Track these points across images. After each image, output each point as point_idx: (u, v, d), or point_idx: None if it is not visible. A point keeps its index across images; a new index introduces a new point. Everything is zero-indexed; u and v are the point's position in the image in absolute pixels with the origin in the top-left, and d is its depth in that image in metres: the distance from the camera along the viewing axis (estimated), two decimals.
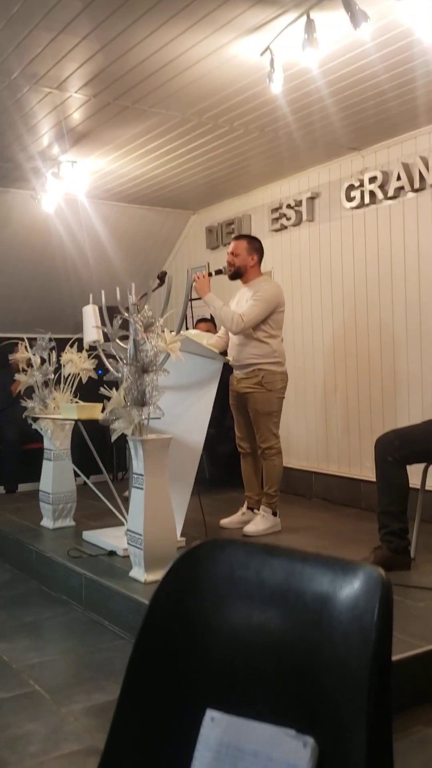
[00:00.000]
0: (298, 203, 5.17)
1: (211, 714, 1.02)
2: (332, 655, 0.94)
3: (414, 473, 3.40)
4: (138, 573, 3.20)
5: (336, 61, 3.34)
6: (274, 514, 4.10)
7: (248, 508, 4.23)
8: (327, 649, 0.95)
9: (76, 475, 4.31)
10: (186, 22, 3.02)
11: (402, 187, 4.40)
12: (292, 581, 1.03)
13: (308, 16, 2.90)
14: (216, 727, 1.00)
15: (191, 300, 4.74)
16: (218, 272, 4.18)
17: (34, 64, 3.40)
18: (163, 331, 3.16)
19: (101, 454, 4.15)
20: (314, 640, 0.97)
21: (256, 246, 4.11)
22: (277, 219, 5.38)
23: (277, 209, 5.37)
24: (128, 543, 3.25)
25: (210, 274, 4.07)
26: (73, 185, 4.83)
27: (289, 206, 5.25)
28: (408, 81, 3.58)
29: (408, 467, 3.30)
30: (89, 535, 3.92)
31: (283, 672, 0.99)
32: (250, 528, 4.02)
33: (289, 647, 0.99)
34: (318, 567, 1.02)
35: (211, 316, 5.06)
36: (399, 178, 4.39)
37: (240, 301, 4.09)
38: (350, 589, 0.96)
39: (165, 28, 3.07)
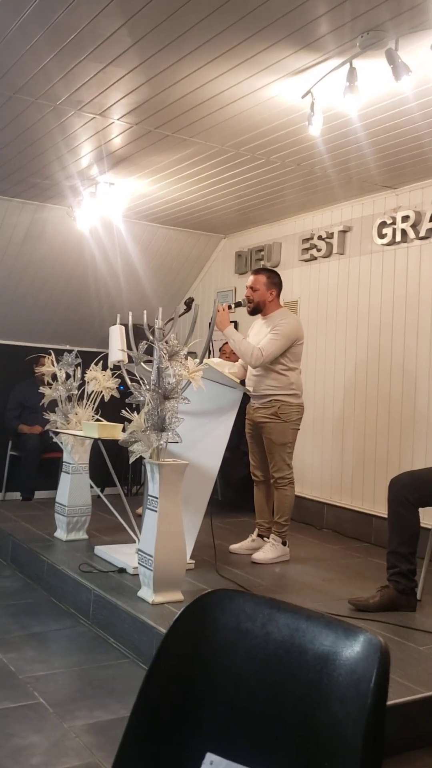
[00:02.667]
0: (330, 235, 5.24)
1: (210, 758, 1.08)
2: (329, 715, 0.99)
3: (426, 514, 3.43)
4: (146, 593, 3.26)
5: (374, 106, 3.41)
6: (284, 543, 4.14)
7: (258, 535, 4.27)
8: (324, 708, 1.00)
9: (91, 487, 4.39)
10: (232, 61, 3.11)
11: None
12: (296, 638, 1.08)
13: (351, 65, 2.97)
14: None
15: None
16: (238, 305, 4.26)
17: (81, 92, 3.51)
18: (186, 359, 3.24)
19: (117, 467, 4.22)
20: (313, 698, 1.02)
21: (275, 280, 4.18)
22: (307, 249, 5.45)
23: (308, 239, 5.44)
24: (138, 563, 3.31)
25: (230, 307, 4.14)
26: (109, 205, 4.94)
27: (320, 237, 5.32)
28: None
29: (420, 509, 3.34)
30: (101, 551, 3.99)
31: (281, 725, 1.04)
32: (259, 555, 4.07)
33: (288, 702, 1.05)
34: (321, 627, 1.07)
35: None
36: (431, 219, 4.44)
37: (258, 333, 4.16)
38: (350, 652, 1.02)
39: (210, 66, 3.17)
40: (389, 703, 2.36)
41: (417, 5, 2.54)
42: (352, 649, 1.01)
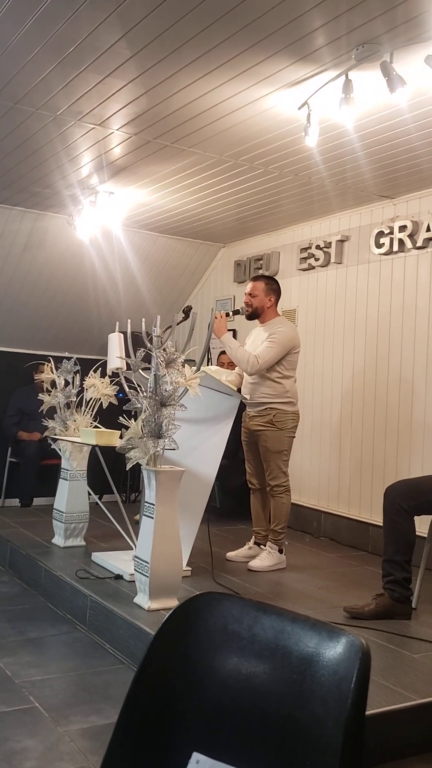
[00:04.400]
0: (328, 245, 5.28)
1: (197, 757, 1.10)
2: (311, 714, 1.01)
3: (421, 522, 3.44)
4: (142, 600, 3.27)
5: (370, 118, 3.45)
6: (280, 551, 4.15)
7: (255, 542, 4.28)
8: (307, 708, 1.02)
9: (89, 495, 4.41)
10: (229, 73, 3.15)
11: (431, 239, 4.48)
12: (281, 640, 1.10)
13: (347, 77, 3.01)
14: None
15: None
16: (236, 312, 4.29)
17: (81, 102, 3.55)
18: (183, 366, 3.27)
19: (116, 474, 4.24)
20: (296, 698, 1.04)
21: (273, 287, 4.21)
22: (305, 258, 5.48)
23: (306, 249, 5.48)
24: (135, 569, 3.33)
25: (227, 315, 4.18)
26: (109, 214, 4.98)
27: (318, 247, 5.36)
28: None
29: (416, 517, 3.35)
30: (98, 557, 4.00)
31: (266, 724, 1.06)
32: (256, 563, 4.08)
33: (272, 702, 1.07)
34: (306, 629, 1.09)
35: None
36: (429, 229, 4.48)
37: (255, 341, 4.19)
38: (333, 653, 1.04)
39: (208, 77, 3.21)
40: (383, 710, 2.38)
41: (411, 19, 2.58)
42: (335, 650, 1.03)
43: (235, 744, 1.08)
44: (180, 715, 1.14)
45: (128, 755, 1.15)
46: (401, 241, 4.67)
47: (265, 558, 4.11)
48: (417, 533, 3.35)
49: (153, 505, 3.24)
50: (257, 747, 1.06)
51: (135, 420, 3.27)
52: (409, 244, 4.62)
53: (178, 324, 4.06)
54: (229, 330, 4.30)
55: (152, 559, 3.19)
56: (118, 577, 3.70)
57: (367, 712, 2.33)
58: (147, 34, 2.84)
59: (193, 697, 1.15)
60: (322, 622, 1.09)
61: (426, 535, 3.52)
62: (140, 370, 3.38)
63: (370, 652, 1.00)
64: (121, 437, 3.38)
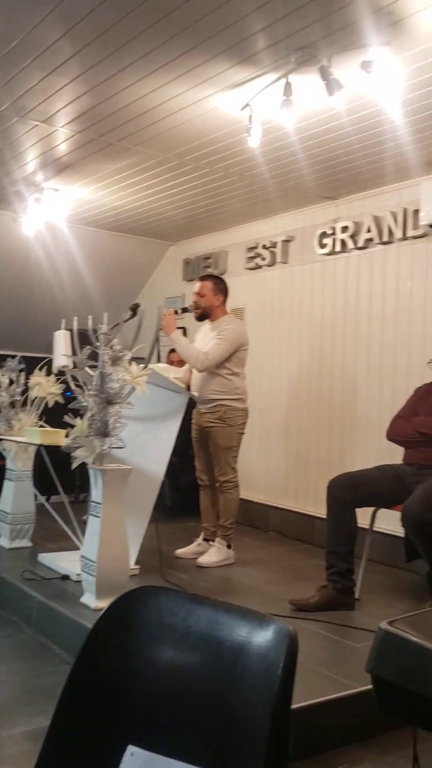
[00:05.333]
0: (274, 245, 5.35)
1: (131, 749, 1.12)
2: (241, 701, 1.04)
3: (363, 514, 3.53)
4: (89, 599, 3.27)
5: (310, 120, 3.52)
6: (229, 546, 4.20)
7: (204, 539, 4.32)
8: (237, 695, 1.05)
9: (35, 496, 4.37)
10: (172, 73, 3.17)
11: (371, 239, 4.59)
12: (214, 630, 1.14)
13: (287, 80, 3.07)
14: (134, 763, 1.09)
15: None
16: (184, 310, 4.32)
17: (24, 99, 3.52)
18: (130, 364, 3.27)
19: (64, 474, 4.21)
20: (228, 686, 1.07)
21: (221, 287, 4.26)
22: (252, 258, 5.54)
23: (253, 248, 5.54)
24: (81, 569, 3.32)
25: (176, 312, 4.20)
26: (55, 211, 4.94)
27: (264, 247, 5.42)
28: (375, 144, 3.79)
29: (357, 509, 3.44)
30: (45, 558, 3.98)
31: (199, 713, 1.09)
32: (204, 559, 4.12)
33: (205, 691, 1.10)
34: (238, 619, 1.13)
35: None
36: (369, 230, 4.58)
37: (204, 338, 4.23)
38: (263, 640, 1.07)
39: (152, 77, 3.22)
40: (325, 698, 2.45)
41: (347, 26, 2.64)
42: (265, 637, 1.07)
43: (169, 735, 1.11)
44: (115, 710, 1.16)
45: (63, 753, 1.17)
46: (343, 242, 4.77)
47: (213, 554, 4.15)
48: (359, 525, 3.44)
49: (99, 504, 3.24)
50: (190, 736, 1.09)
51: (81, 418, 3.27)
52: (350, 244, 4.72)
53: (125, 321, 4.05)
54: (178, 328, 4.33)
55: (99, 559, 3.19)
56: (65, 577, 3.68)
57: (310, 701, 2.40)
58: (89, 32, 2.83)
59: (127, 692, 1.17)
60: (254, 611, 1.13)
61: (368, 527, 3.62)
62: (86, 368, 3.37)
63: (298, 639, 1.04)
64: (67, 436, 3.37)
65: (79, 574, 3.45)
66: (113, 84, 3.31)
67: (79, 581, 3.42)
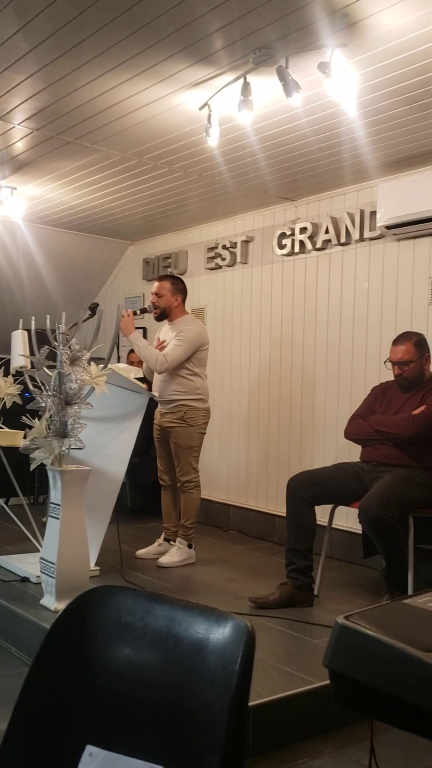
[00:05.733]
0: (233, 245, 5.37)
1: (90, 749, 1.12)
2: (200, 697, 1.05)
3: (322, 512, 3.58)
4: (49, 601, 3.24)
5: (268, 121, 3.54)
6: (190, 546, 4.20)
7: (165, 539, 4.31)
8: (196, 692, 1.06)
9: None
10: (130, 71, 3.16)
11: (329, 240, 4.64)
12: (172, 628, 1.14)
13: (245, 80, 3.08)
14: (93, 762, 1.09)
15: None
16: (143, 311, 4.31)
17: None
18: (89, 364, 3.25)
19: (23, 476, 4.16)
20: (186, 683, 1.08)
21: (179, 287, 4.25)
22: (212, 258, 5.55)
23: (213, 248, 5.55)
24: (41, 571, 3.28)
25: (135, 313, 4.18)
26: (12, 210, 4.88)
27: (224, 247, 5.44)
28: (334, 145, 3.84)
29: (316, 507, 3.48)
30: (3, 560, 3.92)
31: (157, 712, 1.09)
32: (165, 559, 4.11)
33: (164, 689, 1.10)
34: (196, 616, 1.13)
35: None
36: (327, 231, 4.63)
37: (164, 338, 4.22)
38: (221, 636, 1.08)
39: (110, 74, 3.20)
40: (284, 694, 2.47)
41: (303, 27, 2.67)
42: (223, 634, 1.08)
43: (128, 734, 1.11)
44: (73, 710, 1.16)
45: (21, 755, 1.16)
46: (302, 243, 4.81)
47: (174, 554, 4.14)
48: (318, 522, 3.48)
49: (59, 505, 3.21)
50: (149, 735, 1.09)
51: (39, 419, 3.23)
52: (309, 245, 4.77)
53: (84, 321, 4.02)
54: (138, 328, 4.31)
55: (58, 560, 3.16)
56: (25, 579, 3.64)
57: (269, 698, 2.42)
58: (44, 29, 2.80)
59: (86, 691, 1.16)
60: (211, 608, 1.13)
61: (327, 524, 3.66)
62: (44, 368, 3.33)
63: (255, 634, 1.05)
64: (25, 437, 3.33)
65: (38, 576, 3.42)
66: (70, 81, 3.28)
67: (39, 583, 3.39)
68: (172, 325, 4.22)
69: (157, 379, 4.20)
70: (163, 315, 4.24)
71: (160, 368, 4.07)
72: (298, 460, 4.81)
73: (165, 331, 4.27)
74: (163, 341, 4.17)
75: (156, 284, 4.26)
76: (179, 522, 4.25)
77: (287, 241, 4.92)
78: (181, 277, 4.64)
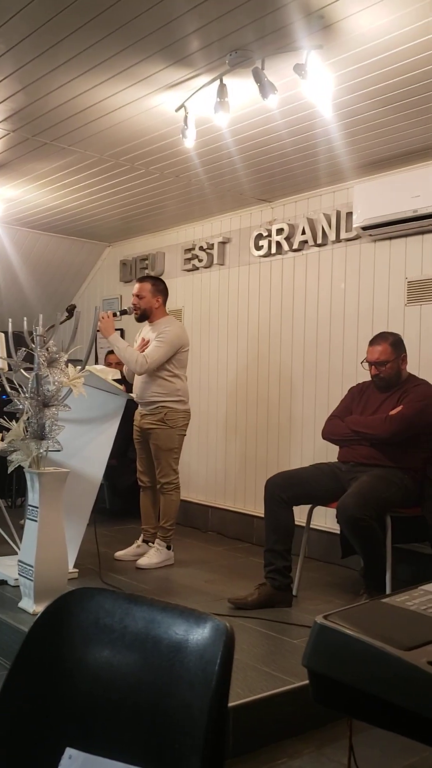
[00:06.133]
0: (210, 246, 5.37)
1: (69, 752, 1.11)
2: (180, 698, 1.05)
3: (300, 512, 3.59)
4: (27, 604, 3.21)
5: (245, 122, 3.55)
6: (169, 547, 4.19)
7: (144, 540, 4.30)
8: (176, 693, 1.06)
9: None
10: (107, 73, 3.15)
11: (306, 241, 4.67)
12: (151, 629, 1.14)
13: (221, 81, 3.09)
14: (72, 765, 1.09)
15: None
16: (123, 312, 4.30)
17: None
18: (66, 366, 3.23)
19: (1, 479, 4.13)
20: (165, 684, 1.08)
21: (160, 288, 4.25)
22: (189, 260, 5.55)
23: (190, 250, 5.55)
24: (19, 573, 3.26)
25: (115, 315, 4.17)
26: None
27: (201, 248, 5.44)
28: (309, 147, 3.86)
29: (294, 508, 3.49)
30: None
31: (136, 713, 1.09)
32: (144, 561, 4.10)
33: (143, 691, 1.10)
34: (175, 617, 1.13)
35: None
36: (304, 232, 4.66)
37: (144, 339, 4.21)
38: (200, 637, 1.08)
39: (86, 75, 3.19)
40: (263, 695, 2.48)
41: (279, 29, 2.68)
42: (202, 635, 1.08)
43: (107, 736, 1.11)
44: (52, 713, 1.15)
45: (2, 755, 1.15)
46: (279, 244, 4.83)
47: (153, 555, 4.14)
48: (296, 522, 3.49)
49: (37, 508, 3.19)
50: (129, 736, 1.09)
51: (17, 421, 3.21)
52: (286, 246, 4.79)
53: (61, 323, 4.00)
54: (117, 330, 4.29)
55: (37, 563, 3.14)
56: (3, 582, 3.61)
57: (249, 698, 2.42)
58: (20, 30, 2.78)
59: (65, 694, 1.16)
60: (190, 609, 1.13)
61: (305, 524, 3.68)
62: (22, 371, 3.31)
63: (234, 635, 1.05)
64: (2, 440, 3.30)
65: (17, 579, 3.39)
66: (47, 83, 3.26)
67: (17, 586, 3.36)
68: (152, 327, 4.22)
69: (137, 381, 4.19)
70: (143, 316, 4.23)
71: (140, 369, 4.06)
72: (276, 461, 4.83)
73: (146, 332, 4.27)
74: (148, 341, 4.16)
75: (137, 285, 4.25)
76: (158, 523, 4.24)
77: (264, 242, 4.93)
78: (161, 278, 4.63)
